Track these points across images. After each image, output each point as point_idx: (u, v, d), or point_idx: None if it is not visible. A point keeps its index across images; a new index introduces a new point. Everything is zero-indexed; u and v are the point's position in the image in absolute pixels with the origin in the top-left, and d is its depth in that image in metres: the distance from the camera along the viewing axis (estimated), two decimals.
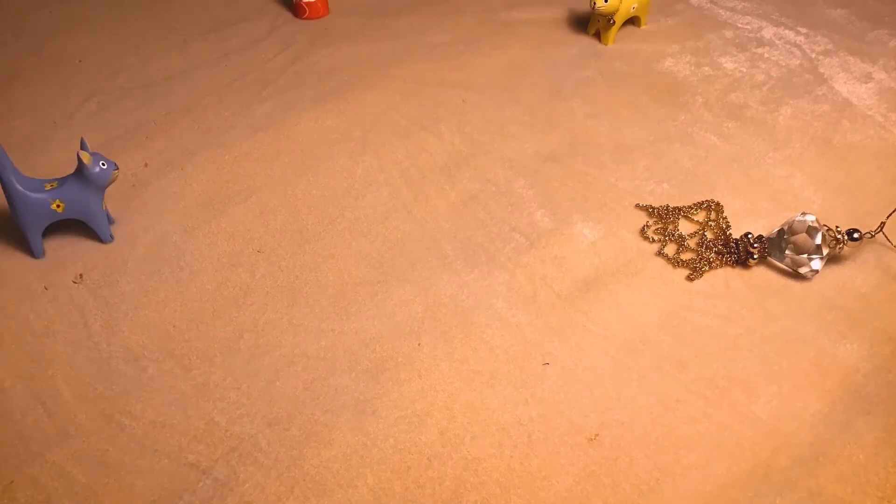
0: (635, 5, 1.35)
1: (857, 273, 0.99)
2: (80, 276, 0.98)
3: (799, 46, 1.44)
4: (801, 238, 0.95)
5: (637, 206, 1.08)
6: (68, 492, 0.76)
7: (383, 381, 0.86)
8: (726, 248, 1.00)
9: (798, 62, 1.39)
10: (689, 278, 0.98)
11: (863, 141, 1.21)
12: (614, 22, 1.34)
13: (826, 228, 0.96)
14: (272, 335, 0.91)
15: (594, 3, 1.28)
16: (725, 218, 1.05)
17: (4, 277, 0.98)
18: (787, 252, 0.97)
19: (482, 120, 1.24)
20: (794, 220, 0.97)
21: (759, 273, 0.99)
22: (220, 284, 0.97)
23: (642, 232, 1.04)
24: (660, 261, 1.01)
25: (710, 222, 1.05)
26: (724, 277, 0.98)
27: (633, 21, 1.43)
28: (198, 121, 1.23)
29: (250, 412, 0.83)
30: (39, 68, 1.35)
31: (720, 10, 1.54)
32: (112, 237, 1.02)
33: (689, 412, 0.83)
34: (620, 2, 1.31)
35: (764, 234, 0.99)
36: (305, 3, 1.32)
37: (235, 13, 1.51)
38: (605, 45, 1.38)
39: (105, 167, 0.95)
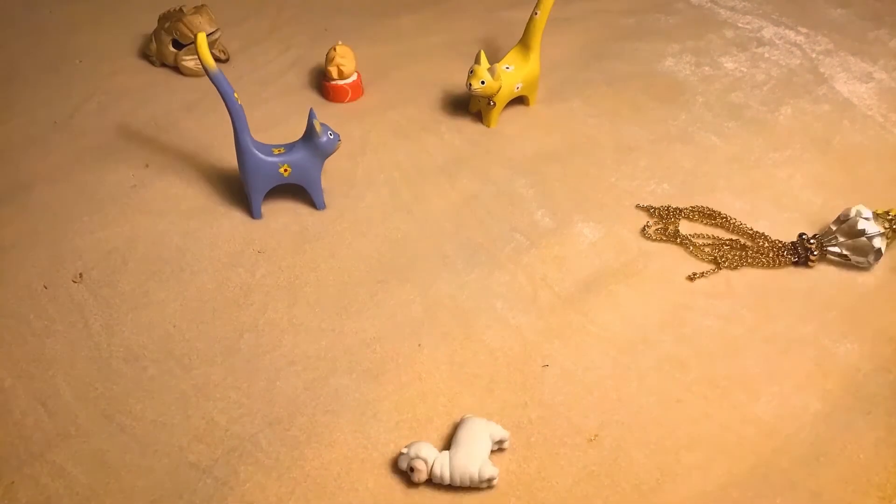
0: (520, 84, 1.19)
1: (858, 273, 0.99)
2: (80, 275, 0.97)
3: (799, 46, 1.44)
4: (854, 229, 0.96)
5: (668, 211, 1.08)
6: (69, 492, 0.76)
7: (384, 382, 0.86)
8: (783, 253, 1.00)
9: (798, 62, 1.39)
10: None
11: (863, 142, 1.21)
12: (494, 104, 1.18)
13: (877, 215, 0.98)
14: (272, 335, 0.91)
15: (469, 84, 1.12)
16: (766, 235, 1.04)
17: (4, 277, 0.98)
18: (842, 244, 0.98)
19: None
20: (846, 214, 0.98)
21: (760, 273, 0.99)
22: (220, 284, 0.97)
23: (687, 248, 1.03)
24: (660, 261, 1.00)
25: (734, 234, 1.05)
26: (724, 277, 0.98)
27: (521, 100, 1.25)
28: (198, 121, 1.23)
29: (251, 412, 0.83)
30: (39, 68, 1.35)
31: (720, 10, 1.54)
32: (325, 205, 1.07)
33: (690, 412, 0.83)
34: (500, 83, 1.14)
35: (816, 233, 1.01)
36: (331, 85, 1.26)
37: (236, 13, 1.51)
38: (488, 127, 1.21)
39: (332, 137, 1.00)
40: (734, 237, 1.03)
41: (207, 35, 1.26)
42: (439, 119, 1.24)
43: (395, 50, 1.40)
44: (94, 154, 1.16)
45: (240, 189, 1.10)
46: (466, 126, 1.22)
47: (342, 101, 1.28)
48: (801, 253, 0.99)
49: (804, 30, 1.48)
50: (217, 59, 1.34)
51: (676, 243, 1.02)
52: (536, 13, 1.15)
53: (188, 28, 1.29)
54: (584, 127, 1.23)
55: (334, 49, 1.24)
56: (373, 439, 0.80)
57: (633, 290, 0.96)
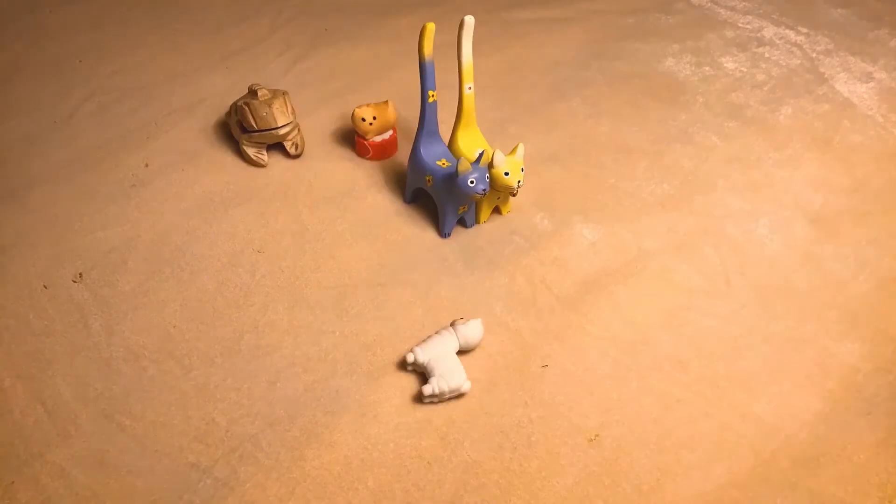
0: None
1: (858, 273, 0.99)
2: (80, 275, 0.97)
3: (799, 46, 1.44)
4: None
5: None
6: (69, 492, 0.76)
7: (384, 385, 0.86)
8: None
9: (799, 62, 1.39)
10: None
11: (863, 141, 1.21)
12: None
13: None
14: (273, 336, 0.91)
15: (520, 182, 0.96)
16: None
17: (4, 276, 0.98)
18: None
19: (482, 120, 1.24)
20: None
21: (760, 273, 0.99)
22: (220, 285, 0.97)
23: None
24: (660, 261, 1.00)
25: None
26: (724, 276, 0.98)
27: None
28: (199, 121, 1.23)
29: (251, 413, 0.83)
30: (40, 68, 1.35)
31: (720, 10, 1.54)
32: (447, 235, 1.03)
33: (690, 412, 0.83)
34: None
35: None
36: (370, 143, 1.15)
37: (236, 13, 1.51)
38: (483, 222, 1.06)
39: (472, 185, 0.93)
40: None
41: (279, 127, 1.10)
42: (440, 120, 1.23)
43: (395, 50, 1.40)
44: (94, 154, 1.16)
45: (239, 189, 1.10)
46: None
47: (365, 157, 1.17)
48: None
49: (804, 30, 1.48)
50: (288, 156, 1.15)
51: None
52: (470, 88, 1.02)
53: (252, 116, 1.10)
54: (584, 127, 1.23)
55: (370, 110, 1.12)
56: (372, 440, 0.80)
57: (633, 291, 0.96)
